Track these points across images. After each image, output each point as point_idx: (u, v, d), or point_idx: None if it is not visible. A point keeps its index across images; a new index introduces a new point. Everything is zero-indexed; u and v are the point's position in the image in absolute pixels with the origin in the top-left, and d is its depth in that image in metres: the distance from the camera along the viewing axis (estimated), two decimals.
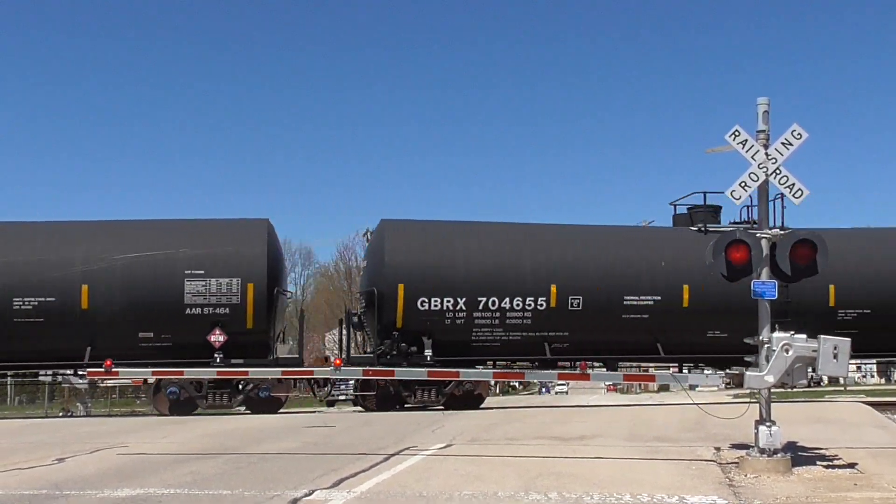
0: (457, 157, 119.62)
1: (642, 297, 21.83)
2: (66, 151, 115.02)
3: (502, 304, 21.36)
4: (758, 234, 9.93)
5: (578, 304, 21.64)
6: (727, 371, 10.59)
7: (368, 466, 10.05)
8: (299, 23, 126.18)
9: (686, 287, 21.71)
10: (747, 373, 9.83)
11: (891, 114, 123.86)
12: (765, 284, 9.81)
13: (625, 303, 21.79)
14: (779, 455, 9.52)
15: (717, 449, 11.13)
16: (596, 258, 22.08)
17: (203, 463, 10.66)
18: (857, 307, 22.30)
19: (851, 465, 9.77)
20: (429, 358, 20.92)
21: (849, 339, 9.72)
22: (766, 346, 9.77)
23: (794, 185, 9.95)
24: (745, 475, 9.29)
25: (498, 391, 79.71)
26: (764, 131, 10.10)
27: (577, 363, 21.50)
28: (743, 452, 9.88)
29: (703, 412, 12.34)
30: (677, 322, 21.79)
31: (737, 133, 10.03)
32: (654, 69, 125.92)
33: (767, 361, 9.68)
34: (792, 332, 9.80)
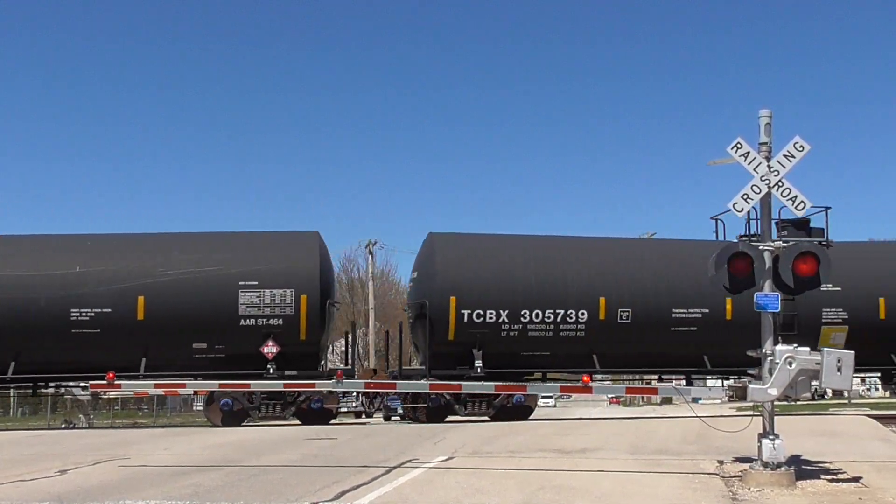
0: (455, 161, 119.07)
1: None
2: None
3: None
4: (760, 247, 9.92)
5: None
6: (730, 384, 10.54)
7: (370, 479, 10.02)
8: (301, 23, 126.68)
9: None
10: (750, 385, 9.80)
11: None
12: (767, 297, 9.79)
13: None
14: (782, 468, 9.49)
15: (721, 462, 11.09)
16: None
17: (205, 475, 10.64)
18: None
19: (856, 479, 9.73)
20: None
21: (852, 352, 9.71)
22: (769, 358, 9.74)
23: (796, 197, 9.96)
24: (749, 488, 9.25)
25: None
26: (766, 143, 10.12)
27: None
28: (746, 466, 9.84)
29: (705, 425, 12.29)
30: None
31: (739, 145, 10.05)
32: (657, 77, 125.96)
33: (771, 374, 9.66)
34: (795, 345, 9.78)
